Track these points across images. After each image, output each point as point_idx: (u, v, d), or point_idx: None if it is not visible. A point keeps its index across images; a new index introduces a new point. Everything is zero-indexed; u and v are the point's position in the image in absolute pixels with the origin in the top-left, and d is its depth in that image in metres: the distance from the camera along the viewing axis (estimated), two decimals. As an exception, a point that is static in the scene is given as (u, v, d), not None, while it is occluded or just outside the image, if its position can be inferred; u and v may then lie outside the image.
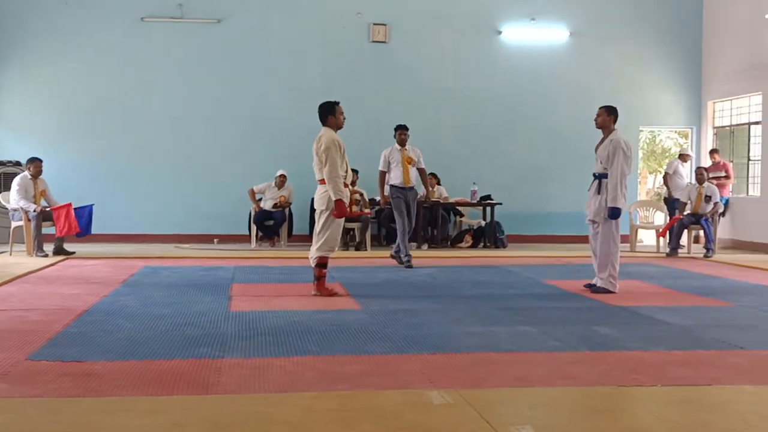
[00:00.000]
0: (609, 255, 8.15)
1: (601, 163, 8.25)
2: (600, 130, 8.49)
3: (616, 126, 8.46)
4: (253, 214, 13.40)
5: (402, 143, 10.72)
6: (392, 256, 10.71)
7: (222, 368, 4.74)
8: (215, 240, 13.95)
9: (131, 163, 14.09)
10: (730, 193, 14.23)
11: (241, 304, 7.16)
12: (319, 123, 8.21)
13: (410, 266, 10.30)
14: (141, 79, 14.13)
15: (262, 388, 4.32)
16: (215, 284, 8.53)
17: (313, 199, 8.19)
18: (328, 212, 7.72)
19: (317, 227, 7.81)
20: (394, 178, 10.65)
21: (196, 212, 14.17)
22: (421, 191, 11.90)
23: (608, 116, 8.39)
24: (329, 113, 8.05)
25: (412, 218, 10.80)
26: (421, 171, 10.91)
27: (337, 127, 8.11)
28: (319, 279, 7.76)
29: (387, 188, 10.87)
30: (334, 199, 7.69)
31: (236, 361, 4.92)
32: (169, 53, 14.19)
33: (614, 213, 8.08)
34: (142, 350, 5.21)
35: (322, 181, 7.82)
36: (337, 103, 8.14)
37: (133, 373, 4.62)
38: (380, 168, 10.82)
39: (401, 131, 10.76)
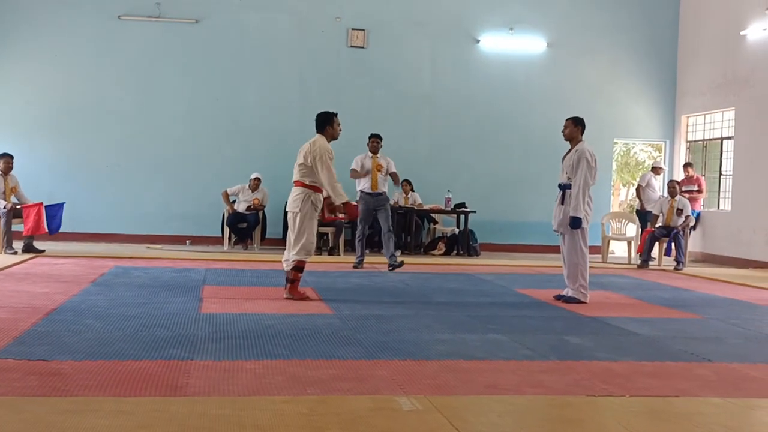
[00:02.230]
0: (577, 265, 8.20)
1: (566, 173, 8.32)
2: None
3: (585, 137, 8.50)
4: (226, 216, 13.34)
5: (374, 151, 11.12)
6: (355, 267, 11.01)
7: (191, 370, 4.70)
8: (187, 241, 13.87)
9: (104, 162, 13.96)
10: (702, 207, 14.37)
11: (212, 306, 7.12)
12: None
13: (394, 267, 10.66)
14: (116, 77, 14.03)
15: (231, 391, 4.28)
16: (186, 286, 8.47)
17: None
18: (301, 215, 7.70)
19: (292, 231, 7.78)
20: (364, 183, 11.03)
21: (168, 213, 14.07)
22: (394, 195, 12.33)
23: (575, 127, 8.47)
24: (327, 123, 8.08)
25: (387, 221, 11.05)
26: (392, 174, 11.25)
27: (332, 137, 8.12)
28: (293, 282, 7.74)
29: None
30: (338, 203, 7.73)
31: (206, 364, 4.89)
32: (146, 52, 14.10)
33: (575, 222, 8.15)
34: (110, 350, 5.16)
35: (298, 183, 7.80)
36: (335, 114, 8.14)
37: (100, 373, 4.56)
38: (352, 166, 11.16)
39: (374, 140, 11.20)
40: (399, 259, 10.96)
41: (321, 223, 12.82)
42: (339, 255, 12.80)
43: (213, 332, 5.90)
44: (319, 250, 12.92)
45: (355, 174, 11.12)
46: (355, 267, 10.99)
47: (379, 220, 11.06)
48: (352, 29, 14.52)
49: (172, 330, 5.94)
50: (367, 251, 13.66)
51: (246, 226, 13.35)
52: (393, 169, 11.25)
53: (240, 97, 14.32)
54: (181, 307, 7.03)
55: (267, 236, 13.85)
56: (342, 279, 9.62)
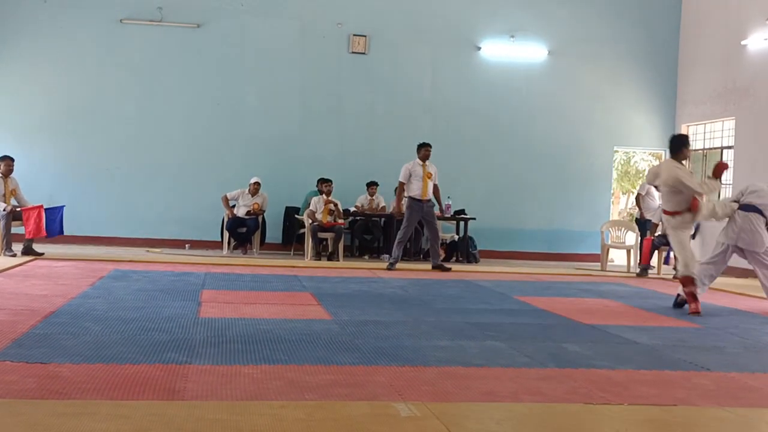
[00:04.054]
0: None
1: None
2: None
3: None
4: (226, 220, 13.34)
5: (425, 159, 11.55)
6: (435, 267, 11.74)
7: (189, 374, 4.69)
8: (187, 245, 13.87)
9: (104, 165, 13.97)
10: (701, 216, 14.36)
11: (210, 311, 7.11)
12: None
13: (392, 269, 11.35)
14: (117, 80, 14.04)
15: (229, 396, 4.28)
16: (185, 290, 8.46)
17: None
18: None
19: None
20: (414, 190, 11.48)
21: (168, 217, 14.07)
22: (392, 203, 12.94)
23: None
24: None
25: (433, 229, 11.77)
26: (435, 186, 11.70)
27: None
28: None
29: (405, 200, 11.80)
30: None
31: (204, 368, 4.88)
32: (147, 56, 14.12)
33: None
34: (108, 354, 5.15)
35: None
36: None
37: (98, 376, 4.56)
38: (401, 179, 11.63)
39: (427, 148, 11.65)
40: (447, 265, 11.82)
41: (321, 229, 12.87)
42: (338, 260, 12.79)
43: (211, 336, 5.89)
44: (318, 256, 12.92)
45: (402, 188, 11.68)
46: (388, 268, 11.48)
47: (427, 227, 11.81)
48: (354, 35, 14.54)
49: (170, 334, 5.93)
50: (365, 257, 13.74)
51: (245, 231, 13.35)
52: (436, 181, 11.74)
53: (240, 102, 14.33)
54: (180, 311, 7.02)
55: (266, 241, 13.85)
56: (341, 285, 9.61)
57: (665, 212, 8.57)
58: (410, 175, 11.53)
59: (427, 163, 11.58)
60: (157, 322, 6.42)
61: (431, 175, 11.58)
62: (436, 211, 12.08)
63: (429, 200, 11.55)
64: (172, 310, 7.05)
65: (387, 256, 13.42)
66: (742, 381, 5.23)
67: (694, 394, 4.81)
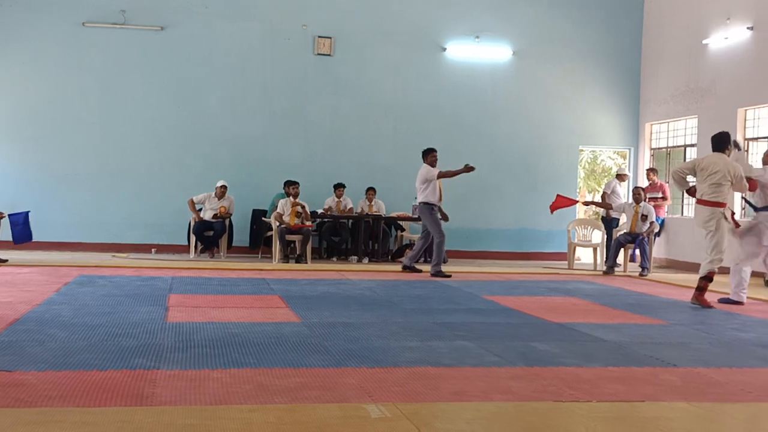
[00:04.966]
0: None
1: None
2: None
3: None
4: (192, 224, 13.25)
5: (433, 164, 11.49)
6: (406, 268, 11.68)
7: (157, 380, 4.65)
8: (153, 250, 13.76)
9: (68, 169, 13.82)
10: (666, 214, 14.54)
11: (178, 315, 7.06)
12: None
13: (439, 275, 11.21)
14: (80, 84, 13.89)
15: (197, 401, 4.25)
16: (152, 294, 8.39)
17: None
18: None
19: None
20: (431, 195, 11.40)
21: (134, 221, 13.94)
22: (359, 204, 13.33)
23: None
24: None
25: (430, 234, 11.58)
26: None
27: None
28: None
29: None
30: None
31: (172, 373, 4.84)
32: (110, 59, 13.98)
33: None
34: (74, 360, 5.09)
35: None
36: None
37: (64, 383, 4.50)
38: (438, 172, 11.47)
39: (435, 153, 11.57)
40: (418, 267, 11.74)
41: (288, 231, 12.83)
42: (306, 263, 12.76)
43: (179, 341, 5.84)
44: (286, 258, 12.88)
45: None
46: (438, 274, 11.24)
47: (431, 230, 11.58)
48: (319, 37, 14.51)
49: (137, 339, 5.87)
50: (334, 259, 13.72)
51: (212, 234, 13.28)
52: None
53: (205, 105, 14.24)
54: (147, 316, 6.96)
55: (234, 244, 13.78)
56: (310, 287, 9.59)
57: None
58: (429, 181, 11.43)
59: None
60: (124, 327, 6.36)
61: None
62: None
63: (439, 206, 11.59)
64: (139, 315, 6.99)
65: (355, 257, 13.47)
66: (708, 376, 5.30)
67: (660, 390, 4.86)
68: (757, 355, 6.12)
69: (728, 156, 9.00)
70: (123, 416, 3.92)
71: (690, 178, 9.09)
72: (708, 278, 8.74)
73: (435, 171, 11.41)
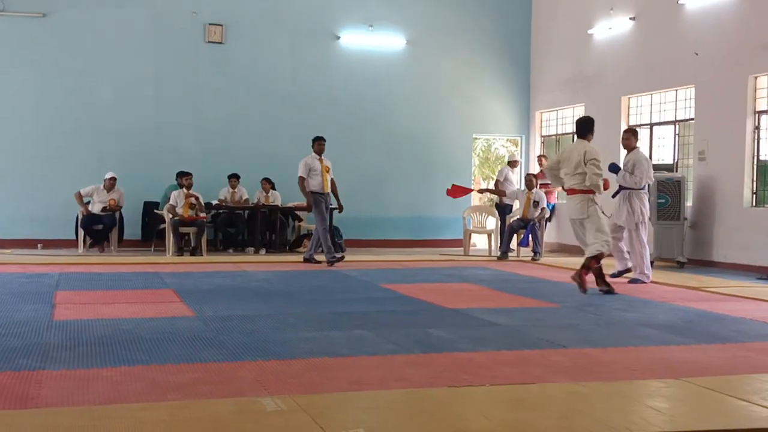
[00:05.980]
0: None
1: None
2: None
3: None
4: (80, 217, 12.84)
5: (320, 152, 11.35)
6: (306, 260, 11.54)
7: (43, 380, 4.49)
8: (39, 245, 13.26)
9: (-54, 163, 13.16)
10: (556, 200, 14.93)
11: (65, 313, 6.83)
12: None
13: (334, 262, 11.20)
14: (-43, 73, 13.24)
15: (86, 401, 4.12)
16: (38, 292, 8.10)
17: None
18: None
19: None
20: (315, 185, 11.23)
21: (18, 216, 13.39)
22: (255, 195, 13.13)
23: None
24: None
25: (330, 223, 11.62)
26: (332, 181, 11.54)
27: None
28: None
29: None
30: None
31: (59, 373, 4.69)
32: (-11, 47, 13.37)
33: None
34: (-47, 364, 4.86)
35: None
36: None
37: (-58, 388, 4.29)
38: (301, 174, 11.30)
39: (321, 142, 11.41)
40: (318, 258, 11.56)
41: (182, 223, 12.58)
42: (201, 255, 12.55)
43: (67, 340, 5.66)
44: (180, 251, 12.62)
45: (304, 182, 11.29)
46: (332, 261, 11.22)
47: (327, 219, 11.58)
48: (210, 24, 14.24)
49: (22, 339, 5.66)
50: (230, 251, 13.54)
51: (102, 228, 12.90)
52: (332, 175, 11.57)
53: (93, 95, 13.78)
54: (32, 314, 6.72)
55: (125, 238, 13.42)
56: (205, 280, 9.43)
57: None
58: (309, 170, 11.31)
59: (323, 157, 11.41)
60: (8, 327, 6.12)
61: (329, 168, 11.45)
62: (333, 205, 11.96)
63: (328, 193, 11.41)
64: (24, 313, 6.74)
65: (252, 249, 13.32)
66: (595, 356, 5.48)
67: (551, 371, 5.00)
68: (640, 334, 6.36)
69: (590, 141, 8.82)
70: (6, 420, 3.78)
71: (563, 172, 8.92)
72: (596, 258, 8.45)
73: (306, 163, 11.34)
